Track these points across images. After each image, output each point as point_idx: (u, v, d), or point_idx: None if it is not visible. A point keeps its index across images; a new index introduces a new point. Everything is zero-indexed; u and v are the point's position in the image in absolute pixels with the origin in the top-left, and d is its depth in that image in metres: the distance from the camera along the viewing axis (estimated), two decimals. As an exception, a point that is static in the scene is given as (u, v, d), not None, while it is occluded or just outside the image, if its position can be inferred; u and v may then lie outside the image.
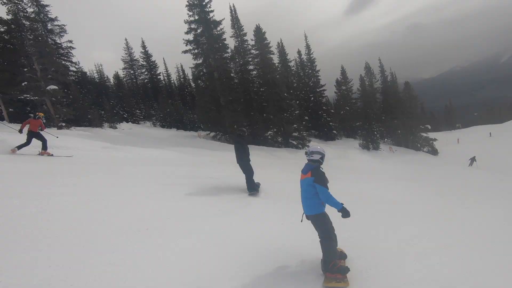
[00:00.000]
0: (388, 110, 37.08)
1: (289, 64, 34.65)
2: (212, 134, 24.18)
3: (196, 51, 22.72)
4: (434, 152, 36.31)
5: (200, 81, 23.73)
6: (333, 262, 3.18)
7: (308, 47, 34.36)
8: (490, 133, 51.25)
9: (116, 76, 38.17)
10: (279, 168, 14.67)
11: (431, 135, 49.48)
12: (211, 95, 22.83)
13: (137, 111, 33.81)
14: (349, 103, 40.95)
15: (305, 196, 3.38)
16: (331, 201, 3.20)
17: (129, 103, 32.10)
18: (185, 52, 22.75)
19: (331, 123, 33.89)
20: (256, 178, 6.96)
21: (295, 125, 24.36)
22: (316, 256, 3.53)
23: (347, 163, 22.19)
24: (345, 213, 3.21)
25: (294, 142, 23.75)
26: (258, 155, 17.80)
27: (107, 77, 41.26)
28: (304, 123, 34.10)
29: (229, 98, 22.82)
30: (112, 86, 38.14)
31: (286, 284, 3.14)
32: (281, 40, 33.91)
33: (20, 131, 8.76)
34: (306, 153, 3.51)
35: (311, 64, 34.41)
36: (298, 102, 34.65)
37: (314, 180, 3.22)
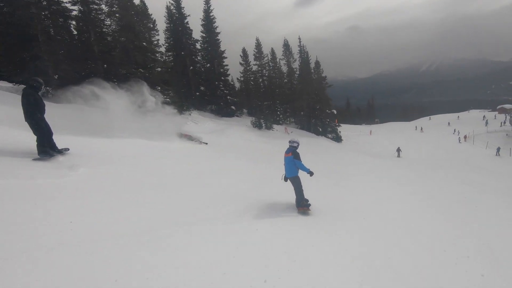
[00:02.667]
0: (298, 90, 34.30)
1: (185, 22, 28.30)
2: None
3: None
4: (337, 139, 35.12)
5: None
6: (302, 202, 5.42)
7: (207, 2, 28.49)
8: (416, 127, 53.83)
9: None
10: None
11: (347, 127, 50.05)
12: (17, 25, 15.36)
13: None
14: (260, 80, 37.03)
15: (287, 167, 5.48)
16: (303, 169, 5.31)
17: None
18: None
19: (229, 97, 29.25)
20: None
21: (157, 87, 18.68)
22: (291, 201, 5.71)
23: (220, 140, 18.62)
24: (311, 174, 5.37)
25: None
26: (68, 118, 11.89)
27: None
28: (198, 94, 28.95)
29: (51, 35, 15.81)
30: None
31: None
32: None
33: None
34: (289, 141, 5.68)
35: (209, 24, 28.73)
36: (192, 68, 29.08)
37: (294, 157, 5.34)
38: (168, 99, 19.00)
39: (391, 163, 22.04)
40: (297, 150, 5.57)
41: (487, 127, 43.61)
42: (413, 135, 45.64)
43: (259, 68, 38.32)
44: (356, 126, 68.93)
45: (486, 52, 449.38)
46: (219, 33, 29.19)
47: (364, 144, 37.29)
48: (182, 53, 27.85)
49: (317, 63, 34.13)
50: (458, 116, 59.57)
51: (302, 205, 5.39)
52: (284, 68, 41.00)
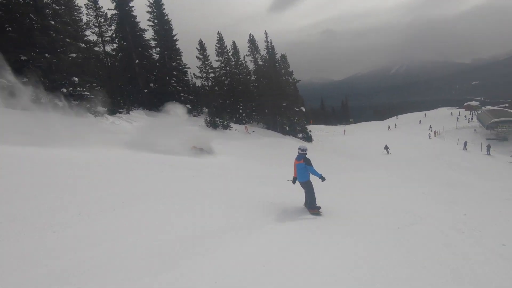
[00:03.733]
0: (262, 86, 31.38)
1: (127, 8, 24.34)
2: None
3: None
4: (308, 138, 32.63)
5: None
6: (313, 205, 5.55)
7: (154, -16, 24.81)
8: (389, 126, 52.81)
9: None
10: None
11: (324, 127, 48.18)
12: None
13: None
14: (224, 77, 33.78)
15: (300, 172, 5.60)
16: (316, 174, 5.44)
17: None
18: None
19: (182, 94, 25.64)
20: None
21: (75, 79, 14.81)
22: (300, 205, 5.96)
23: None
24: (323, 179, 5.46)
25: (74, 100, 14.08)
26: None
27: None
28: (146, 91, 25.09)
29: None
30: None
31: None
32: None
33: None
34: (298, 148, 5.73)
35: (159, 9, 25.02)
36: (138, 61, 25.18)
37: (306, 164, 5.48)
38: (88, 93, 15.17)
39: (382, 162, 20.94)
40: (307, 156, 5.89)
41: (457, 124, 44.15)
42: (385, 134, 44.86)
43: (222, 65, 35.11)
44: (331, 126, 68.40)
45: (450, 54, 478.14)
46: (170, 21, 25.58)
47: (338, 144, 35.47)
48: (124, 43, 23.90)
49: (283, 57, 31.45)
50: (425, 114, 60.28)
51: (313, 208, 5.60)
52: (251, 65, 38.17)
